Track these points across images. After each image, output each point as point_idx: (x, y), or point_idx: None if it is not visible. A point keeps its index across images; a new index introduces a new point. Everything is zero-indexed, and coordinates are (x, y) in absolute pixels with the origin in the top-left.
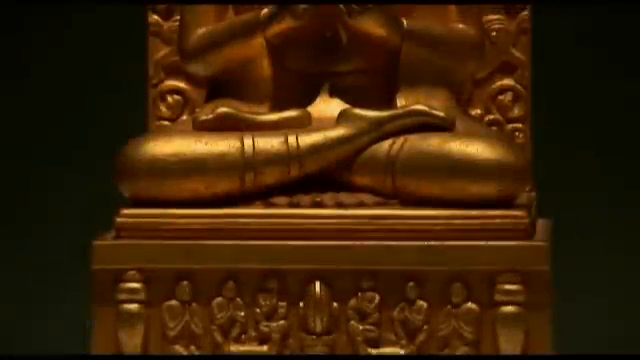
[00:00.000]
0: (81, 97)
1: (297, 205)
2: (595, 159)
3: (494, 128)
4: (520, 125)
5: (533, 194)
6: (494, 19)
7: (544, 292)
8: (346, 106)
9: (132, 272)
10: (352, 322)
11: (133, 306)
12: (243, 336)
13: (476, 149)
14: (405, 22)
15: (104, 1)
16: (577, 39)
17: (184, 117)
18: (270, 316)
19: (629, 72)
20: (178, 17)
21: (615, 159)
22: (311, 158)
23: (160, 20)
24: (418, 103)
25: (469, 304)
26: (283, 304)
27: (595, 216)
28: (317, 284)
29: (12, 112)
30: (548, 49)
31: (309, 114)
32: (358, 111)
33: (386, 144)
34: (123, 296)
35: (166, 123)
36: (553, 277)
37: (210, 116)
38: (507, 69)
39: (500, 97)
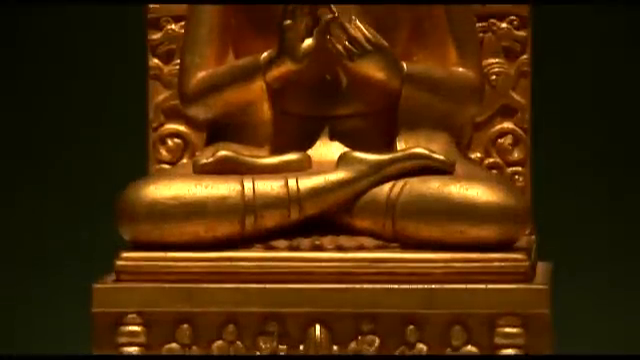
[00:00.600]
0: (82, 140)
1: (297, 248)
2: (595, 202)
3: (494, 171)
4: (520, 168)
5: (533, 237)
6: (494, 62)
7: (544, 335)
8: (346, 149)
9: (132, 315)
10: None
11: (133, 349)
12: None
13: (476, 192)
14: (405, 65)
15: (104, 44)
16: (577, 82)
17: (184, 160)
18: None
19: (630, 117)
20: (178, 60)
21: (615, 202)
22: (311, 201)
23: (160, 64)
24: (418, 146)
25: (469, 347)
26: (283, 347)
27: (595, 259)
28: (317, 327)
29: (12, 156)
30: (548, 91)
31: (309, 157)
32: (358, 154)
33: (386, 187)
34: (123, 339)
35: (166, 166)
36: (553, 320)
37: (210, 159)
38: (507, 112)
39: (500, 140)
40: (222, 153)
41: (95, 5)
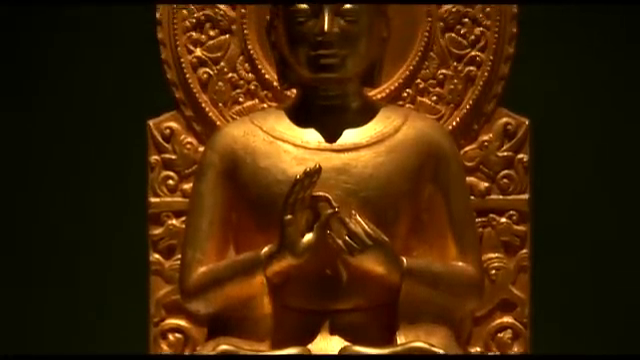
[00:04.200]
0: (82, 334)
1: None
2: None
3: None
4: None
5: None
6: (494, 257)
7: None
8: (346, 343)
9: None
10: None
11: None
12: None
13: None
14: (405, 260)
15: (106, 238)
16: (577, 277)
17: None
18: None
19: (630, 309)
20: (179, 256)
21: None
22: None
23: (161, 259)
24: (418, 340)
25: None
26: None
27: None
28: None
29: (12, 343)
30: (547, 285)
31: (309, 352)
32: (358, 349)
33: None
34: None
35: None
36: None
37: (211, 354)
38: (506, 307)
39: (500, 335)
40: (222, 347)
41: (95, 197)
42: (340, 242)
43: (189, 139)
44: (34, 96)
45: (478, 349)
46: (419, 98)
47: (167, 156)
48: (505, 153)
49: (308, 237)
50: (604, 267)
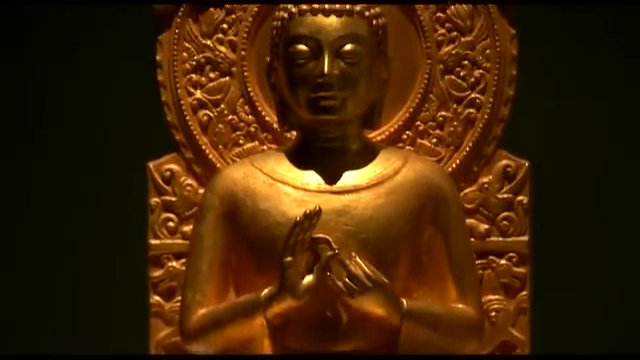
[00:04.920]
0: None
1: None
2: None
3: None
4: None
5: None
6: (493, 299)
7: None
8: None
9: None
10: None
11: None
12: None
13: None
14: (405, 302)
15: (107, 277)
16: (577, 316)
17: None
18: None
19: (627, 336)
20: (179, 298)
21: None
22: None
23: (161, 301)
24: None
25: None
26: None
27: None
28: None
29: None
30: (547, 328)
31: None
32: None
33: None
34: None
35: None
36: None
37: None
38: (506, 348)
39: None
40: None
41: (95, 239)
42: (340, 284)
43: (189, 181)
44: (34, 138)
45: None
46: (419, 140)
47: (167, 198)
48: (505, 195)
49: (308, 279)
50: (604, 309)
